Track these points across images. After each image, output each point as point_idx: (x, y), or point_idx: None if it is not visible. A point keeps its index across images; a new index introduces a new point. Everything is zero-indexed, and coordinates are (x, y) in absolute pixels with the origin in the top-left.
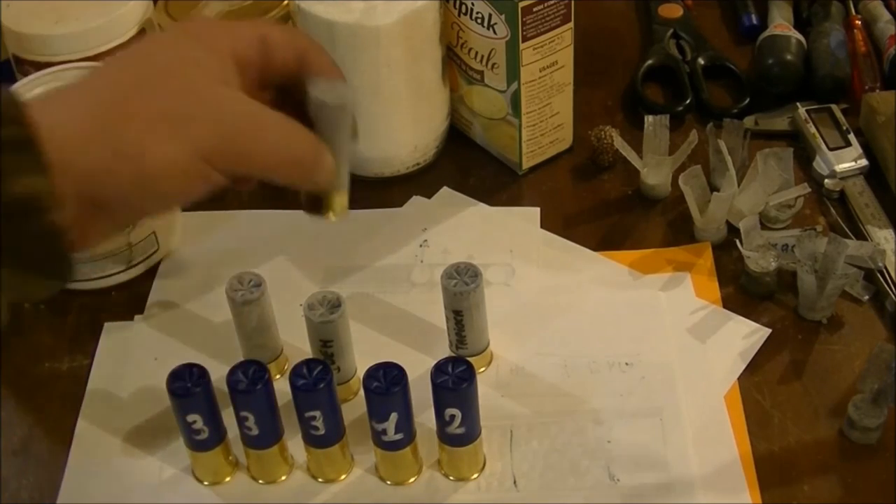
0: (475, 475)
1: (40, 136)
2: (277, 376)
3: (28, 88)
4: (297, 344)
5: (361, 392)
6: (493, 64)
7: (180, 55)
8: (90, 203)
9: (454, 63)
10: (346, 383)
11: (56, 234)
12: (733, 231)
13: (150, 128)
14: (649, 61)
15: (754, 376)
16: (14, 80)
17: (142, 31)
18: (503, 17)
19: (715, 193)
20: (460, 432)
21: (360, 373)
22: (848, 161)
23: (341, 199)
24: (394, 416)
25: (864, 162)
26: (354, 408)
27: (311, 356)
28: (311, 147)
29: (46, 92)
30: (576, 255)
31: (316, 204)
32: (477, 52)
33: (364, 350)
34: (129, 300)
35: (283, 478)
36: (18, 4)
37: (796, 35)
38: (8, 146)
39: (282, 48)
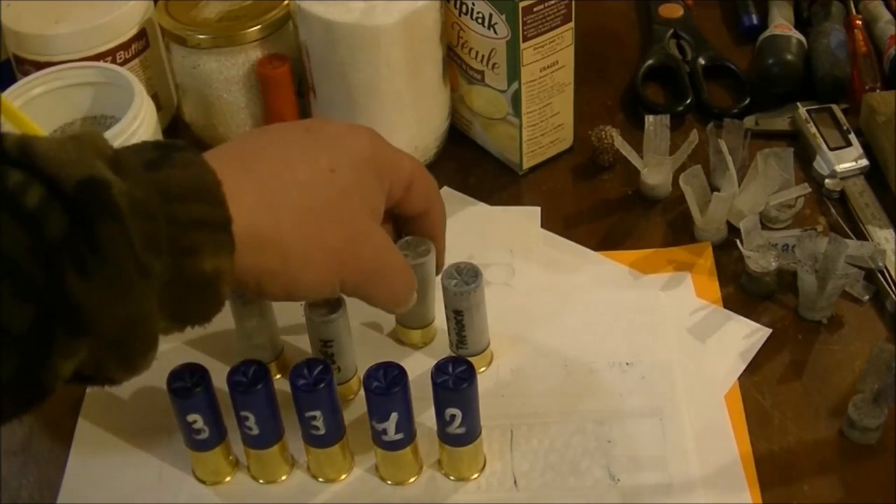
0: (475, 475)
1: (235, 220)
2: (277, 376)
3: (28, 88)
4: (297, 344)
5: (361, 392)
6: (494, 64)
7: (359, 182)
8: (245, 278)
9: (454, 63)
10: (346, 383)
11: (220, 301)
12: (733, 231)
13: (314, 255)
14: (649, 61)
15: (754, 376)
16: (14, 80)
17: (142, 31)
18: (504, 16)
19: (715, 193)
20: (460, 432)
21: (361, 373)
22: (848, 161)
23: (420, 333)
24: (394, 416)
25: (864, 162)
26: (354, 408)
27: (311, 356)
28: (413, 285)
29: (229, 149)
30: (576, 254)
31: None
32: (477, 52)
33: (364, 350)
34: None
35: (284, 478)
36: (18, 4)
37: (796, 35)
38: (208, 225)
39: (419, 197)
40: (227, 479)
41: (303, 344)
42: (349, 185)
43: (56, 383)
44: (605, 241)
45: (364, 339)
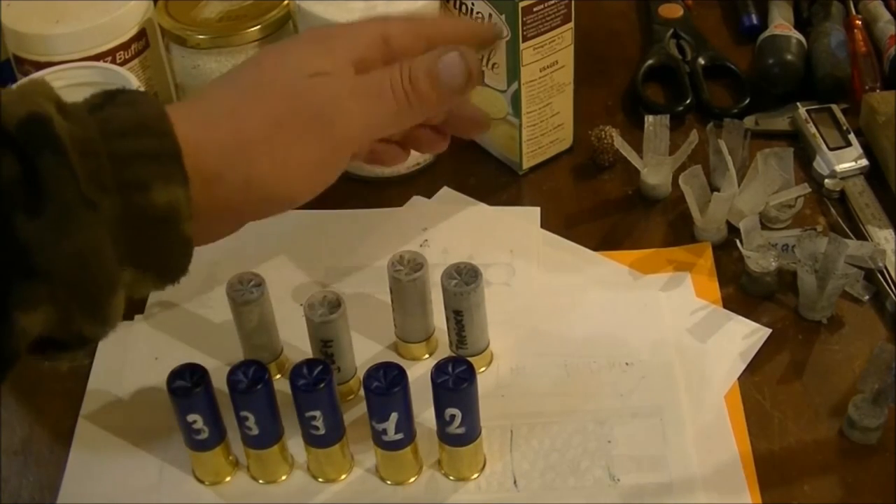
0: (475, 475)
1: (183, 149)
2: (277, 376)
3: None
4: (297, 344)
5: (361, 392)
6: (494, 64)
7: (285, 54)
8: (214, 213)
9: None
10: (346, 383)
11: (184, 242)
12: (733, 231)
13: (262, 143)
14: (649, 61)
15: (754, 376)
16: (14, 80)
17: (142, 31)
18: (503, 16)
19: (715, 193)
20: (460, 432)
21: (360, 373)
22: (848, 161)
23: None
24: (394, 416)
25: (864, 162)
26: (354, 408)
27: (311, 356)
28: (393, 95)
29: (182, 102)
30: (576, 254)
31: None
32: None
33: (364, 350)
34: (130, 300)
35: (284, 478)
36: (18, 4)
37: (796, 35)
38: (155, 157)
39: (406, 41)
40: (227, 479)
41: (303, 344)
42: (296, 78)
43: (20, 345)
44: (605, 241)
45: (364, 339)
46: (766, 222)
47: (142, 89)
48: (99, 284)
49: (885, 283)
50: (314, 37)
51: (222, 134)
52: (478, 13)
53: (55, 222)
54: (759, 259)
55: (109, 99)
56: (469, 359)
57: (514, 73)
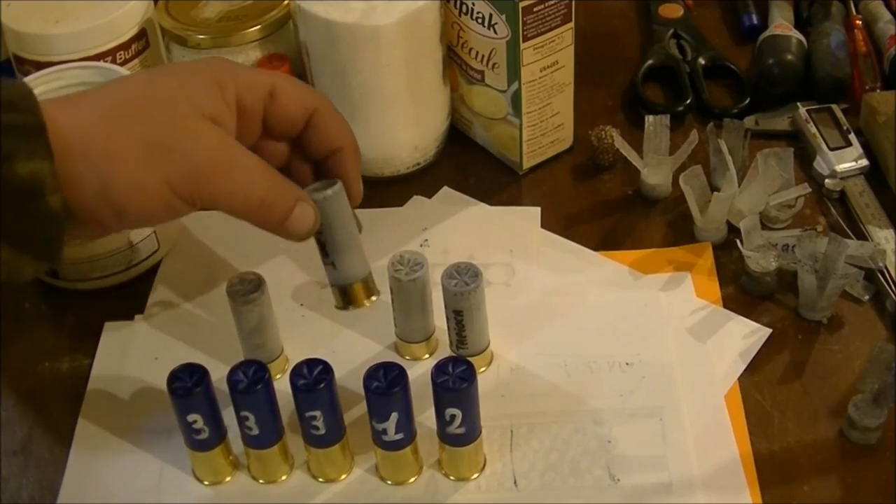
0: (475, 475)
1: (49, 128)
2: (277, 376)
3: None
4: (297, 344)
5: (362, 392)
6: (494, 64)
7: (180, 85)
8: (73, 207)
9: (454, 63)
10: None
11: (52, 217)
12: (734, 231)
13: (128, 153)
14: (649, 61)
15: (754, 376)
16: None
17: (142, 31)
18: (504, 16)
19: (715, 193)
20: (460, 432)
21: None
22: (848, 161)
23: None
24: (394, 416)
25: (864, 162)
26: (354, 408)
27: (311, 356)
28: (283, 193)
29: (60, 96)
30: (576, 255)
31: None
32: (477, 52)
33: (364, 350)
34: (129, 300)
35: (284, 478)
36: (18, 4)
37: (797, 35)
38: (21, 131)
39: (291, 103)
40: (227, 479)
41: (303, 344)
42: (169, 89)
43: None
44: (605, 241)
45: (364, 339)
46: (766, 222)
47: (16, 80)
48: None
49: (885, 283)
50: (210, 77)
51: (94, 134)
52: (478, 13)
53: None
54: (759, 259)
55: None
56: (469, 359)
57: (514, 73)
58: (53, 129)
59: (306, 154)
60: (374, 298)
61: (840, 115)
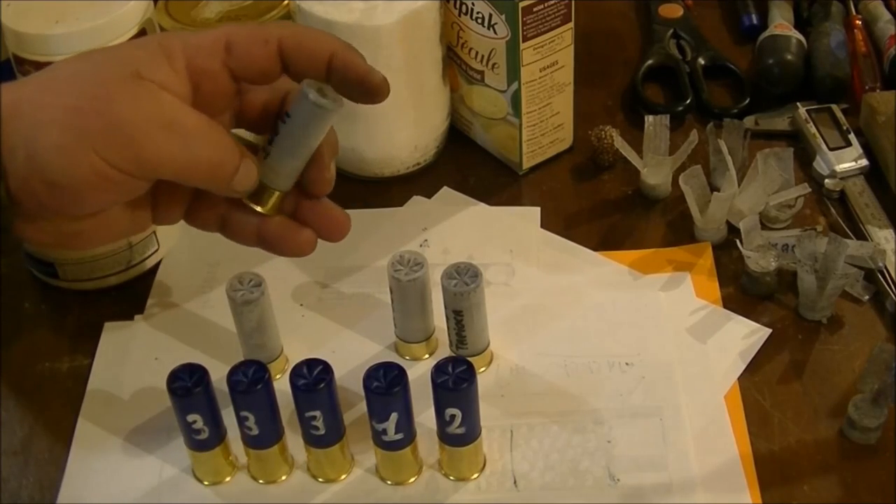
0: (475, 475)
1: None
2: (277, 376)
3: None
4: (297, 344)
5: (362, 392)
6: (494, 64)
7: (120, 54)
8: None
9: (454, 63)
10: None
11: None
12: (733, 231)
13: (53, 118)
14: (649, 61)
15: (754, 376)
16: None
17: (142, 31)
18: (503, 16)
19: (715, 193)
20: (460, 432)
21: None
22: (848, 161)
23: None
24: (394, 416)
25: (864, 162)
26: (354, 408)
27: (311, 356)
28: (228, 151)
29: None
30: (576, 255)
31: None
32: (477, 52)
33: (364, 350)
34: (129, 300)
35: (284, 478)
36: (18, 4)
37: (796, 35)
38: None
39: (252, 49)
40: (227, 479)
41: (303, 344)
42: (107, 58)
43: None
44: (605, 241)
45: (364, 339)
46: (766, 222)
47: None
48: None
49: (885, 283)
50: (153, 46)
51: (24, 103)
52: (478, 13)
53: None
54: (759, 259)
55: None
56: (469, 359)
57: (514, 73)
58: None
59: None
60: (268, 212)
61: (840, 115)
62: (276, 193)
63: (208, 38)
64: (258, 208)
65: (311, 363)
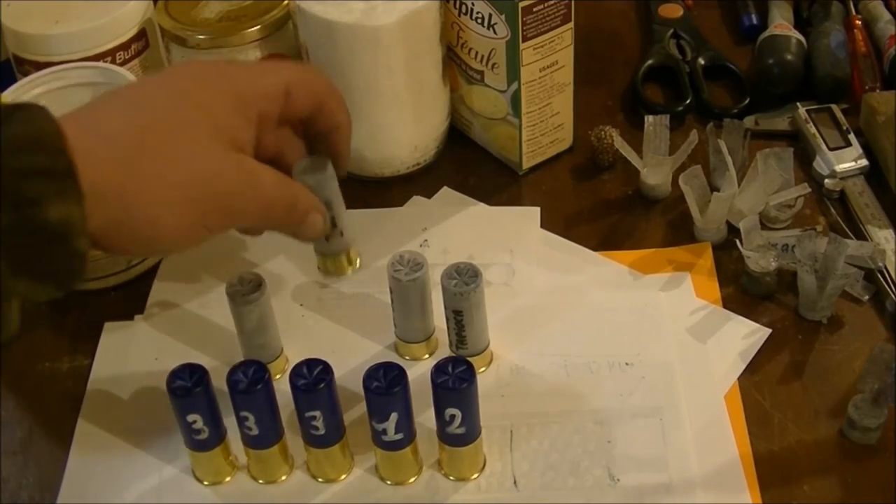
0: (475, 475)
1: (77, 166)
2: (277, 376)
3: (28, 88)
4: (297, 344)
5: (362, 392)
6: (494, 64)
7: (203, 112)
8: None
9: (454, 63)
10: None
11: (78, 256)
12: (733, 231)
13: (156, 193)
14: (649, 61)
15: (754, 376)
16: (14, 80)
17: (142, 31)
18: (503, 16)
19: (715, 193)
20: (460, 432)
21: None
22: (848, 161)
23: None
24: (394, 416)
25: (864, 162)
26: (354, 408)
27: (311, 356)
28: (299, 199)
29: (79, 109)
30: (576, 255)
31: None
32: (477, 52)
33: (364, 350)
34: (129, 300)
35: (283, 478)
36: (18, 4)
37: (796, 35)
38: (49, 173)
39: (303, 98)
40: (227, 479)
41: (303, 344)
42: (193, 116)
43: None
44: (605, 242)
45: (365, 352)
46: (766, 222)
47: (39, 108)
48: None
49: (885, 283)
50: (231, 98)
51: (121, 173)
52: (478, 13)
53: None
54: (759, 259)
55: (7, 116)
56: (469, 359)
57: (514, 73)
58: (82, 169)
59: (305, 130)
60: (342, 275)
61: (840, 115)
62: (353, 249)
63: (273, 87)
64: (339, 275)
65: (311, 363)
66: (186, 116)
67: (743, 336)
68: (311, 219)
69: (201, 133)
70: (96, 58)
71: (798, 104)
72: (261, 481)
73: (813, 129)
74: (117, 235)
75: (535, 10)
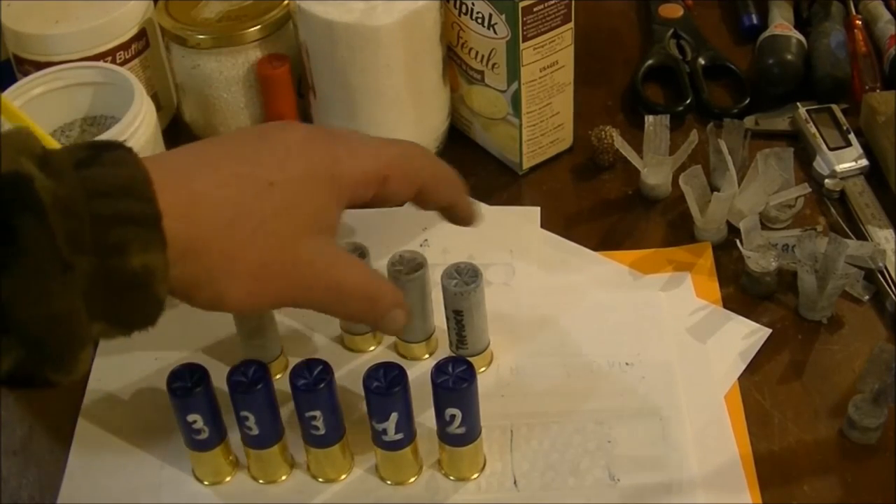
0: (475, 475)
1: (165, 215)
2: (277, 376)
3: (28, 88)
4: (297, 344)
5: (362, 392)
6: (494, 64)
7: (299, 199)
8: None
9: (454, 63)
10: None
11: (156, 302)
12: (733, 231)
13: (243, 269)
14: (649, 61)
15: (754, 376)
16: (14, 80)
17: (142, 32)
18: (503, 16)
19: (715, 193)
20: (460, 432)
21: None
22: (848, 161)
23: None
24: (394, 416)
25: (864, 162)
26: (354, 408)
27: (311, 356)
28: (384, 294)
29: (168, 155)
30: (576, 255)
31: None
32: (477, 52)
33: (365, 360)
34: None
35: (284, 478)
36: (18, 4)
37: (796, 35)
38: (136, 220)
39: (400, 189)
40: (227, 479)
41: (303, 344)
42: (290, 200)
43: None
44: (605, 241)
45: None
46: (766, 222)
47: (127, 149)
48: (69, 343)
49: (885, 283)
50: (327, 183)
51: (212, 242)
52: (478, 13)
53: (30, 284)
54: (759, 259)
55: (96, 156)
56: (469, 359)
57: (514, 73)
58: (167, 222)
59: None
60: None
61: (840, 115)
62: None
63: (372, 172)
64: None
65: (311, 363)
66: (282, 201)
67: (743, 336)
68: (393, 314)
69: (295, 220)
70: (96, 58)
71: (798, 104)
72: (261, 481)
73: (813, 129)
74: (186, 289)
75: (535, 10)
